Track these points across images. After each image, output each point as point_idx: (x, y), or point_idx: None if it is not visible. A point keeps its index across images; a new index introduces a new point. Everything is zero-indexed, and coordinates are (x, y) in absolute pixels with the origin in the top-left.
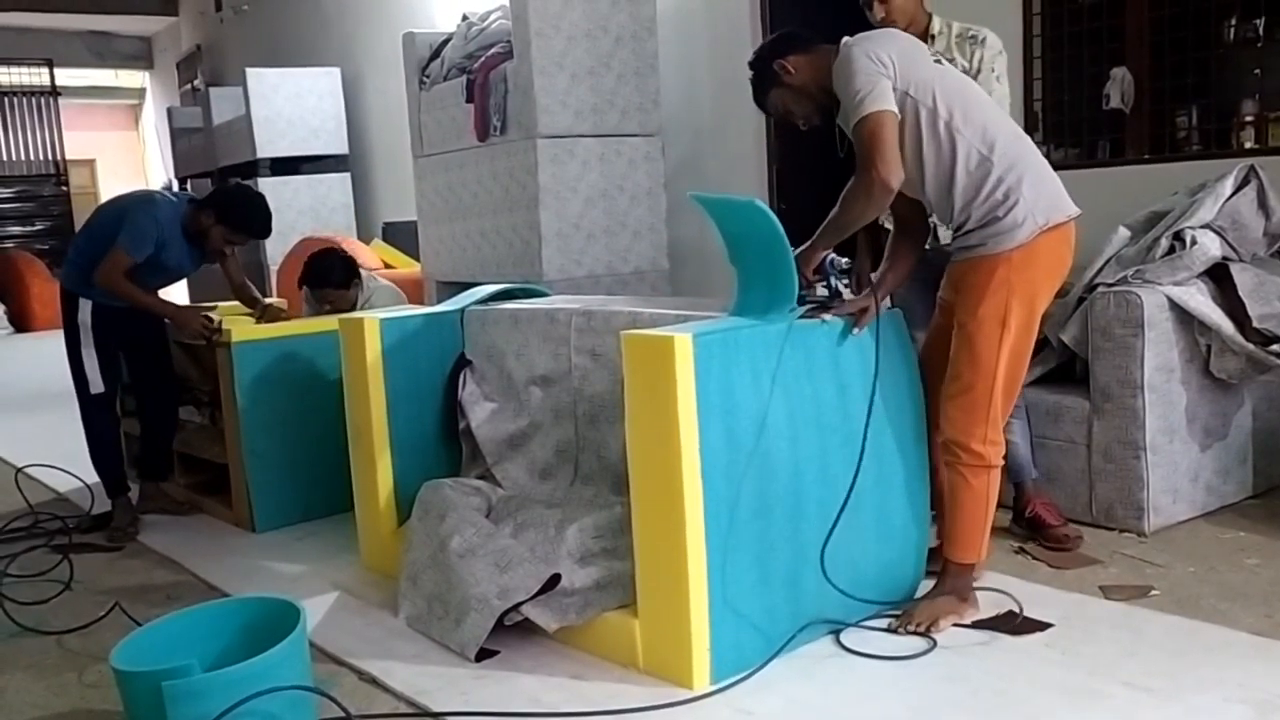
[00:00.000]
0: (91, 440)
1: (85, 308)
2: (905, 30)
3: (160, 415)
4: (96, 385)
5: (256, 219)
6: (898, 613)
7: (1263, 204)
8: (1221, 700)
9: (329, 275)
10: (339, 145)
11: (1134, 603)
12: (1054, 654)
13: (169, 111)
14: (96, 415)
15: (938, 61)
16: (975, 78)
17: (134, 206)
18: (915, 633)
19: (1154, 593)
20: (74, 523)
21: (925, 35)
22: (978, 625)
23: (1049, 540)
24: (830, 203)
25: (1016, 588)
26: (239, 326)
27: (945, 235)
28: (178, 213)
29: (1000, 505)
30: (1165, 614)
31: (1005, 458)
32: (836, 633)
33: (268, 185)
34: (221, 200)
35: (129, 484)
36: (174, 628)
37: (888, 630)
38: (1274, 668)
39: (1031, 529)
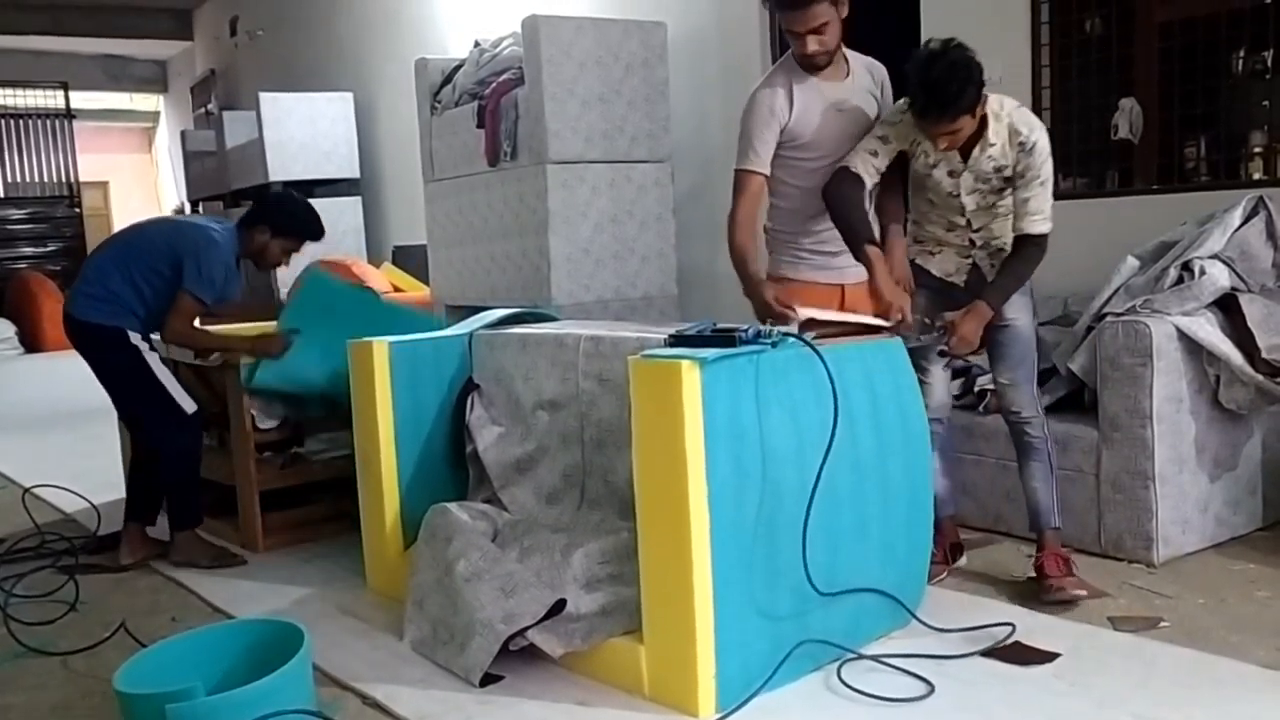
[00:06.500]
0: (186, 467)
1: (134, 335)
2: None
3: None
4: (189, 404)
5: (312, 222)
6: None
7: (1271, 235)
8: None
9: None
10: (351, 169)
11: (1143, 634)
12: (1063, 685)
13: (183, 135)
14: (191, 438)
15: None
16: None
17: (201, 249)
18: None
19: (1163, 624)
20: (80, 543)
21: (977, 139)
22: (986, 655)
23: (1041, 591)
24: None
25: (1024, 618)
26: None
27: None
28: (233, 243)
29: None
30: (1175, 646)
31: (1026, 505)
32: (842, 664)
33: None
34: (272, 213)
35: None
36: (178, 650)
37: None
38: None
39: (1036, 577)
